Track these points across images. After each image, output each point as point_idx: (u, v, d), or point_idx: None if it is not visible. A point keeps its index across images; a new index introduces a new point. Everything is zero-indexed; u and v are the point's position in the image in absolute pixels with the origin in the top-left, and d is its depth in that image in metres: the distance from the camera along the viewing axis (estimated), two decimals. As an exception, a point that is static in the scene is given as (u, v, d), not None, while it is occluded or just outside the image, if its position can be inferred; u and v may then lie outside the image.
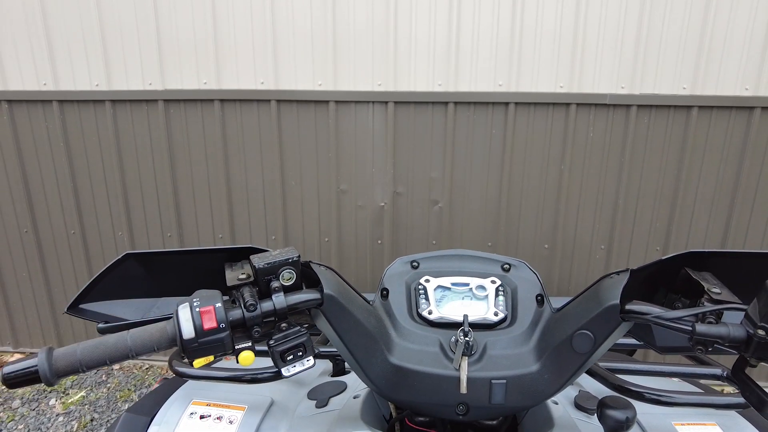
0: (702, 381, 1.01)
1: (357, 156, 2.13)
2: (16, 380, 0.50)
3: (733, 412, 0.84)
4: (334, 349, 0.95)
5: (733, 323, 0.52)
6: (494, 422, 0.77)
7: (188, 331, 0.53)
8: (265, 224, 2.25)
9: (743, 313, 0.53)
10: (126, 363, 2.53)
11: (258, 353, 1.02)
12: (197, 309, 0.53)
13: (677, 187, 2.06)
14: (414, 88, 2.02)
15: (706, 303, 0.56)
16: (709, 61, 1.92)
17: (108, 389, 2.35)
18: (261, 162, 2.17)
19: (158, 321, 0.57)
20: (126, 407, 2.22)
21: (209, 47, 2.04)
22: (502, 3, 1.91)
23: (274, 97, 2.06)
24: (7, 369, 0.50)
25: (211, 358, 0.55)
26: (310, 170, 2.16)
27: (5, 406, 2.24)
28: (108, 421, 2.14)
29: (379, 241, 2.22)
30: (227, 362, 1.01)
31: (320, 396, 0.87)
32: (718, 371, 0.89)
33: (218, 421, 0.81)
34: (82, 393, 2.33)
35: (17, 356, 2.56)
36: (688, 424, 0.81)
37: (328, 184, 2.17)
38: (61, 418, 2.17)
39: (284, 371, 0.59)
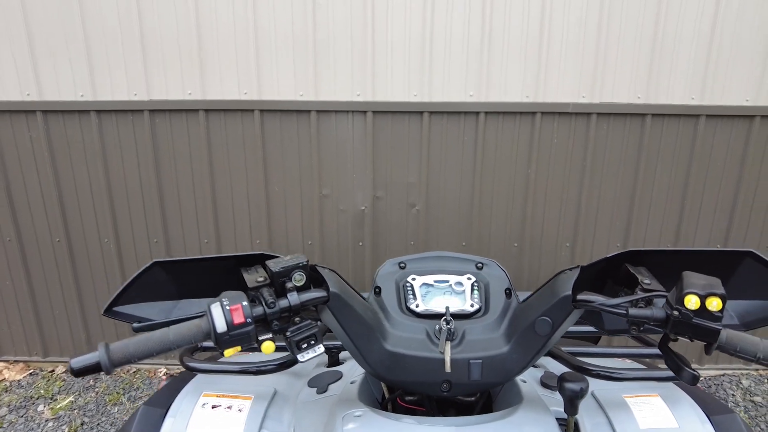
0: (649, 360, 1.17)
1: (338, 162, 2.24)
2: (81, 370, 0.60)
3: (672, 385, 0.99)
4: (330, 343, 1.07)
5: (657, 307, 0.66)
6: (472, 398, 0.90)
7: (221, 325, 0.63)
8: (250, 229, 2.34)
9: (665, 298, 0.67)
10: (113, 367, 2.57)
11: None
12: (227, 307, 0.64)
13: (634, 188, 2.25)
14: (391, 99, 2.14)
15: (639, 292, 0.70)
16: (660, 73, 2.11)
17: (96, 393, 2.39)
18: (245, 169, 2.25)
19: (188, 319, 0.67)
20: (117, 410, 2.28)
21: (194, 59, 2.11)
22: (471, 19, 2.06)
23: (258, 107, 2.15)
24: (74, 362, 0.60)
25: (239, 348, 0.66)
26: (293, 177, 2.26)
27: (-8, 414, 2.26)
28: (99, 424, 2.19)
29: (360, 243, 2.34)
30: (233, 357, 1.11)
31: (320, 383, 0.98)
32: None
33: (229, 410, 0.91)
34: (71, 398, 2.36)
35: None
36: (635, 396, 0.96)
37: (310, 189, 2.27)
38: (50, 424, 2.20)
39: (299, 357, 0.70)
